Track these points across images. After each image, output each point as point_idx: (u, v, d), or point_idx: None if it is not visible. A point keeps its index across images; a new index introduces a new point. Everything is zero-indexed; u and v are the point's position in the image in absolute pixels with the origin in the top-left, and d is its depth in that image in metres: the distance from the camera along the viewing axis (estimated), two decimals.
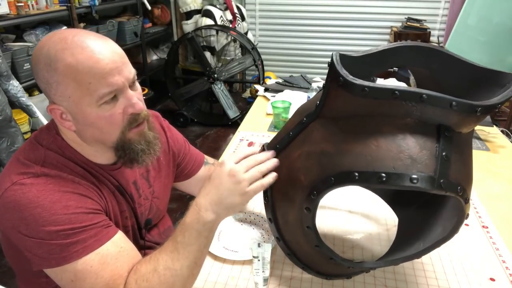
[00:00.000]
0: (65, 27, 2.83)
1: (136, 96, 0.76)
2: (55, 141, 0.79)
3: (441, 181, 0.62)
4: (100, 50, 0.71)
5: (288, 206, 0.78)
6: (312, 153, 0.72)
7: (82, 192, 0.76)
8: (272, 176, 0.78)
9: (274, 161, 0.79)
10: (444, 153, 0.63)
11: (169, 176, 1.03)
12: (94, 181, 0.80)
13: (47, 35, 0.73)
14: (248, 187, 0.75)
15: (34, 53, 0.73)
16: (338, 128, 0.70)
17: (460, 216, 0.71)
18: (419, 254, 0.76)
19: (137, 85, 0.79)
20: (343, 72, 0.64)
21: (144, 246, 0.97)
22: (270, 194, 0.82)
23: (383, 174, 0.62)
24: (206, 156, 1.16)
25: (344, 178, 0.66)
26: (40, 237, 0.70)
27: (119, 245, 0.76)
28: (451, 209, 0.77)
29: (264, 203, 0.85)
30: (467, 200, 0.68)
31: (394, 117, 0.65)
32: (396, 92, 0.62)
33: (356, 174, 0.64)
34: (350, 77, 0.64)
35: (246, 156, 0.78)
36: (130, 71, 0.75)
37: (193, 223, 0.75)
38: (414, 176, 0.61)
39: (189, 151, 1.09)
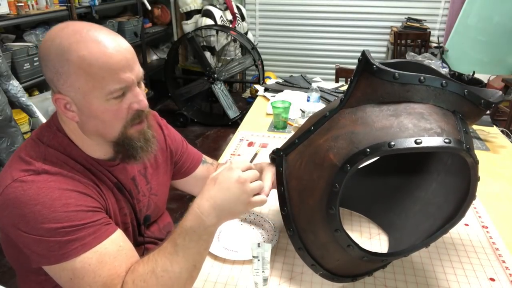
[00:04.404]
0: None
1: (142, 94, 0.78)
2: (55, 137, 0.79)
3: (467, 146, 0.70)
4: (113, 46, 0.72)
5: (309, 191, 0.80)
6: (341, 135, 0.77)
7: (81, 190, 0.76)
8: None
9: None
10: (464, 129, 0.73)
11: (166, 173, 1.04)
12: (94, 178, 0.81)
13: (57, 27, 0.73)
14: (252, 198, 0.77)
15: (44, 43, 0.73)
16: (367, 112, 0.77)
17: (472, 191, 0.75)
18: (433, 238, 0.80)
19: (142, 83, 0.81)
20: (376, 62, 0.76)
21: (144, 241, 0.97)
22: (286, 187, 0.84)
23: (419, 140, 0.69)
24: (204, 156, 1.16)
25: (380, 147, 0.71)
26: (40, 234, 0.70)
27: (117, 243, 0.76)
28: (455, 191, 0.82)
29: (278, 195, 0.86)
30: (479, 178, 0.75)
31: (417, 101, 0.75)
32: (422, 78, 0.73)
33: (393, 143, 0.70)
34: (382, 66, 0.75)
35: (251, 167, 0.79)
36: (139, 69, 0.78)
37: (195, 226, 0.74)
38: (447, 139, 0.68)
39: (186, 149, 1.10)
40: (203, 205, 0.75)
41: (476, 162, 0.72)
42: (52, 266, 0.72)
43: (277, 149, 0.93)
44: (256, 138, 1.65)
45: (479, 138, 1.65)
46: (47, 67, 0.73)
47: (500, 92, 0.80)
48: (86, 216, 0.73)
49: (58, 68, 0.71)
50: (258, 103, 2.09)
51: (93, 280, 0.72)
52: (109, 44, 0.72)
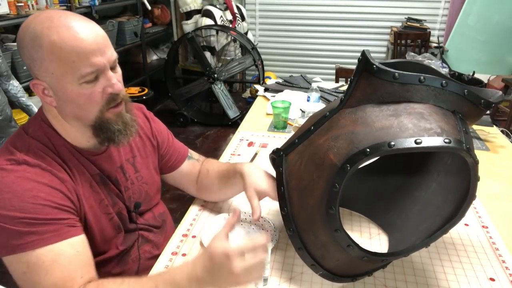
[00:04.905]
0: None
1: (116, 78, 0.79)
2: (40, 128, 0.81)
3: (467, 146, 0.70)
4: (84, 31, 0.74)
5: (309, 191, 0.80)
6: (341, 135, 0.77)
7: (55, 185, 0.77)
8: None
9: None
10: (464, 129, 0.73)
11: (155, 163, 1.05)
12: (71, 173, 0.82)
13: (33, 15, 0.76)
14: (248, 280, 0.72)
15: (21, 30, 0.75)
16: (367, 112, 0.77)
17: (472, 191, 0.75)
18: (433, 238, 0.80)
19: (118, 68, 0.82)
20: (376, 62, 0.76)
21: (137, 228, 0.98)
22: (286, 187, 0.84)
23: (419, 140, 0.69)
24: (190, 151, 1.17)
25: (380, 147, 0.71)
26: (3, 221, 0.72)
27: (76, 248, 0.76)
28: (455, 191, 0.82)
29: (278, 195, 0.86)
30: (478, 178, 0.75)
31: (417, 101, 0.75)
32: (422, 78, 0.73)
33: (393, 143, 0.70)
34: (382, 66, 0.75)
35: (254, 247, 0.71)
36: (112, 54, 0.78)
37: (182, 285, 0.72)
38: (447, 139, 0.69)
39: (172, 143, 1.11)
40: (198, 275, 0.72)
41: (476, 162, 0.72)
42: (9, 257, 0.73)
43: (277, 149, 0.93)
44: (256, 138, 1.65)
45: (479, 138, 1.65)
46: (24, 54, 0.75)
47: (500, 92, 0.80)
48: (52, 212, 0.74)
49: (32, 54, 0.73)
50: (258, 103, 2.09)
51: (44, 278, 0.72)
52: (80, 29, 0.73)
